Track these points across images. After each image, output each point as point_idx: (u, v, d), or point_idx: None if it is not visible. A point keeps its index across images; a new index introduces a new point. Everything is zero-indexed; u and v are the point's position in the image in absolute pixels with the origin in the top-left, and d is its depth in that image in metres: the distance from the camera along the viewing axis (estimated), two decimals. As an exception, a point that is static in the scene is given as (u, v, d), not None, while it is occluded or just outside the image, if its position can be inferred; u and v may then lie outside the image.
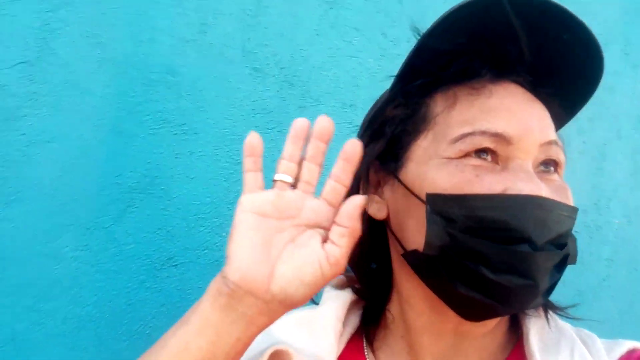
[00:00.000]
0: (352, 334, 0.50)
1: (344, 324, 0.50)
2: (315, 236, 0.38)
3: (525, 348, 0.45)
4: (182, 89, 0.72)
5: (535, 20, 0.43)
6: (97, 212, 0.68)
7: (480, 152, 0.42)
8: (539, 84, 0.45)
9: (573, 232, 0.42)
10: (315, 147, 0.39)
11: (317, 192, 0.40)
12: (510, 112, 0.42)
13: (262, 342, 0.44)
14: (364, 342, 0.50)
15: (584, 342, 0.46)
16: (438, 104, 0.45)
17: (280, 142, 0.76)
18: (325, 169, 0.41)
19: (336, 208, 0.39)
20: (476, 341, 0.46)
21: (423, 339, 0.46)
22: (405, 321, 0.48)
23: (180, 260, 0.73)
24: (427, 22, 0.45)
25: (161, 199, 0.71)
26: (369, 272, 0.51)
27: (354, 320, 0.51)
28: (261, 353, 0.44)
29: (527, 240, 0.38)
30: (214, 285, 0.38)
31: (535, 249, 0.38)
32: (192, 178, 0.73)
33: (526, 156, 0.41)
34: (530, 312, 0.48)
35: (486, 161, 0.41)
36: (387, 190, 0.47)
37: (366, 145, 0.48)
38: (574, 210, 0.42)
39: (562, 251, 0.40)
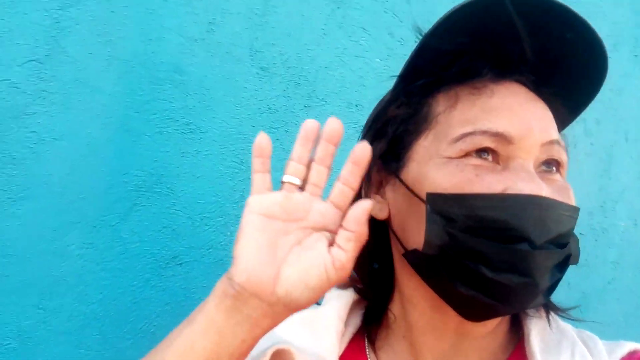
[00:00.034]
0: (354, 334, 0.50)
1: (346, 323, 0.50)
2: (322, 239, 0.38)
3: (527, 349, 0.45)
4: (189, 87, 0.72)
5: (538, 20, 0.42)
6: (104, 210, 0.68)
7: (480, 151, 0.42)
8: (542, 84, 0.45)
9: (578, 234, 0.42)
10: (324, 150, 0.38)
11: (325, 194, 0.40)
12: (511, 111, 0.42)
13: (265, 341, 0.44)
14: (366, 342, 0.50)
15: (585, 344, 0.46)
16: (440, 104, 0.45)
17: (286, 142, 0.78)
18: (332, 171, 0.41)
19: (343, 211, 0.39)
20: (477, 341, 0.46)
21: (424, 339, 0.46)
22: (407, 321, 0.48)
23: (185, 258, 0.73)
24: (434, 22, 0.45)
25: (167, 197, 0.71)
26: (371, 272, 0.51)
27: (356, 320, 0.51)
28: (263, 352, 0.44)
29: (527, 240, 0.38)
30: (220, 286, 0.38)
31: (535, 248, 0.38)
32: (198, 177, 0.73)
33: (527, 156, 0.41)
34: (532, 313, 0.48)
35: (487, 161, 0.41)
36: (389, 190, 0.47)
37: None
38: (575, 210, 0.42)
39: (563, 251, 0.40)
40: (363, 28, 0.82)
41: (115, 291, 0.69)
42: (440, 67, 0.45)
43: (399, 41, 0.83)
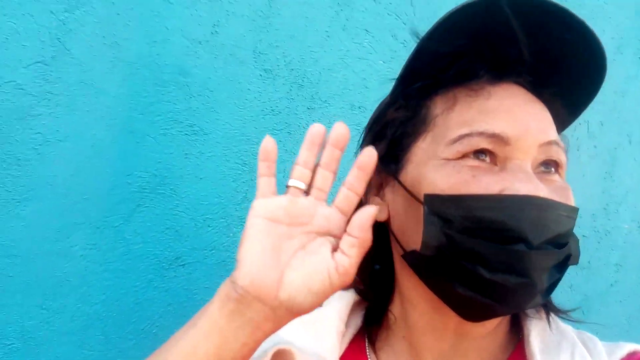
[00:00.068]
0: (355, 335, 0.51)
1: (347, 324, 0.50)
2: (326, 244, 0.38)
3: (526, 349, 0.46)
4: (193, 89, 0.72)
5: (535, 21, 0.43)
6: (107, 211, 0.68)
7: (478, 152, 0.42)
8: (541, 85, 0.45)
9: (581, 236, 0.42)
10: (330, 155, 0.39)
11: (330, 198, 0.40)
12: (508, 112, 0.42)
13: (266, 342, 0.44)
14: (366, 343, 0.50)
15: (585, 345, 0.46)
16: (438, 106, 0.45)
17: (289, 143, 0.78)
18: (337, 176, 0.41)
19: (348, 216, 0.39)
20: (477, 342, 0.46)
21: (424, 339, 0.47)
22: (407, 321, 0.48)
23: (187, 259, 0.73)
24: (436, 24, 0.45)
25: (170, 198, 0.72)
26: (372, 273, 0.51)
27: (357, 321, 0.51)
28: (265, 352, 0.45)
29: (524, 240, 0.38)
30: (223, 289, 0.38)
31: (532, 248, 0.38)
32: (201, 178, 0.73)
33: (525, 156, 0.41)
34: (532, 314, 0.48)
35: (484, 162, 0.41)
36: (388, 192, 0.47)
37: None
38: (573, 210, 0.42)
39: (561, 251, 0.40)
40: (366, 30, 0.82)
41: (118, 292, 0.69)
42: (438, 69, 0.45)
43: (402, 43, 0.83)
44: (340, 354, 0.48)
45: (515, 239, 0.38)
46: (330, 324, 0.48)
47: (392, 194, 0.46)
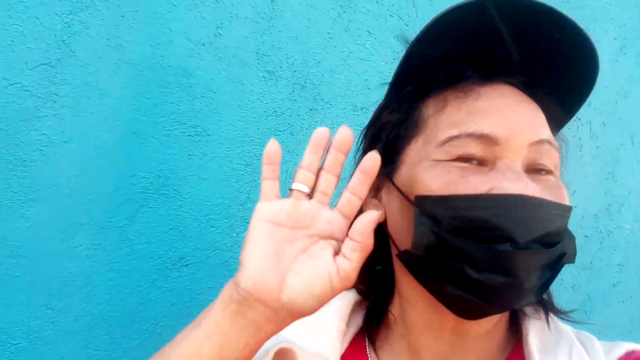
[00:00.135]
0: (356, 334, 0.51)
1: (348, 323, 0.50)
2: (328, 248, 0.38)
3: (525, 349, 0.46)
4: (196, 91, 0.73)
5: (523, 22, 0.43)
6: (112, 211, 0.69)
7: (466, 159, 0.42)
8: (534, 84, 0.45)
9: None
10: (333, 158, 0.39)
11: (334, 201, 0.41)
12: (497, 113, 0.42)
13: (268, 341, 0.45)
14: (367, 342, 0.51)
15: (583, 344, 0.46)
16: (429, 108, 0.45)
17: (291, 144, 0.78)
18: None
19: (350, 220, 0.39)
20: (475, 341, 0.46)
21: (422, 338, 0.47)
22: (406, 321, 0.48)
23: (191, 260, 0.73)
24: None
25: (174, 199, 0.72)
26: (372, 273, 0.52)
27: (358, 320, 0.52)
28: (267, 351, 0.45)
29: (510, 239, 0.38)
30: (226, 291, 0.38)
31: (518, 248, 0.38)
32: (205, 179, 0.74)
33: (514, 156, 0.41)
34: (531, 313, 0.48)
35: (472, 164, 0.42)
36: (384, 194, 0.47)
37: (365, 150, 0.49)
38: (565, 208, 0.42)
39: (552, 250, 0.40)
40: (368, 32, 0.82)
41: (122, 292, 0.70)
42: (428, 72, 0.45)
43: (404, 44, 0.83)
44: (342, 352, 0.49)
45: (501, 238, 0.39)
46: (331, 323, 0.49)
47: (387, 195, 0.47)
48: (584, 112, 0.98)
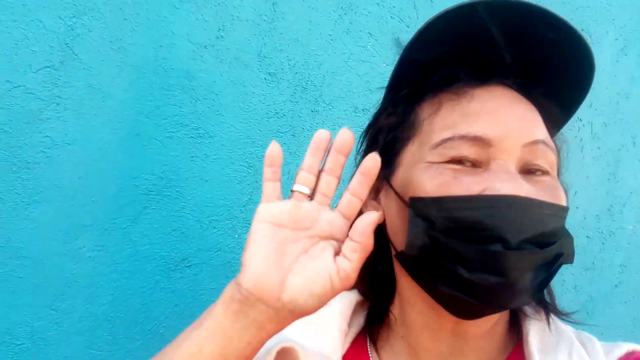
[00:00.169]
0: (357, 334, 0.51)
1: (350, 323, 0.51)
2: (328, 248, 0.39)
3: (525, 349, 0.46)
4: (198, 93, 0.73)
5: (515, 24, 0.43)
6: (115, 213, 0.69)
7: (459, 161, 0.42)
8: (530, 85, 0.46)
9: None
10: (334, 160, 0.39)
11: (334, 202, 0.41)
12: (490, 114, 0.43)
13: (270, 340, 0.45)
14: (368, 342, 0.51)
15: (583, 344, 0.46)
16: (424, 111, 0.46)
17: (293, 146, 0.79)
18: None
19: (351, 221, 0.40)
20: (474, 341, 0.46)
21: (423, 339, 0.47)
22: (406, 321, 0.48)
23: (193, 261, 0.74)
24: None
25: (176, 200, 0.72)
26: (373, 274, 0.52)
27: (359, 320, 0.52)
28: (269, 350, 0.46)
29: (502, 240, 0.38)
30: (228, 291, 0.39)
31: (510, 248, 0.38)
32: (207, 180, 0.74)
33: (508, 157, 0.42)
34: (531, 314, 0.48)
35: (466, 166, 0.42)
36: (383, 196, 0.48)
37: (365, 153, 0.50)
38: (560, 209, 0.42)
39: (546, 250, 0.40)
40: (370, 33, 0.82)
41: (125, 293, 0.70)
42: (423, 76, 0.46)
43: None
44: (343, 352, 0.49)
45: (493, 239, 0.39)
46: (333, 323, 0.49)
47: (385, 197, 0.47)
48: (585, 112, 0.99)
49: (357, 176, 0.39)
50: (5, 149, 0.64)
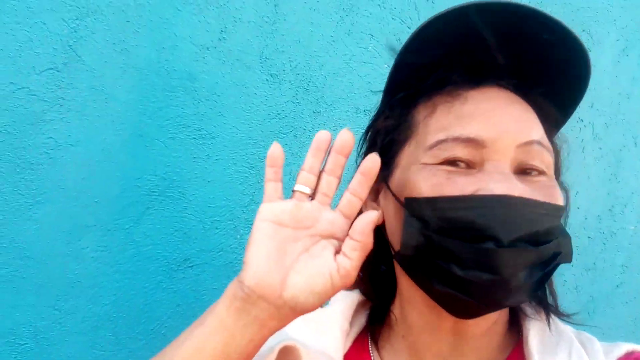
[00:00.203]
0: (359, 333, 0.52)
1: (351, 323, 0.51)
2: (329, 247, 0.39)
3: (525, 349, 0.46)
4: (200, 94, 0.73)
5: (508, 26, 0.43)
6: (118, 214, 0.70)
7: (453, 162, 0.43)
8: (526, 86, 0.45)
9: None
10: (334, 161, 0.40)
11: (334, 203, 0.42)
12: (484, 116, 0.43)
13: (273, 338, 0.45)
14: (369, 341, 0.51)
15: (583, 344, 0.46)
16: (420, 113, 0.46)
17: (294, 146, 0.79)
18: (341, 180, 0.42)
19: (351, 220, 0.40)
20: (474, 341, 0.47)
21: (423, 338, 0.47)
22: (406, 321, 0.49)
23: (196, 261, 0.74)
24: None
25: (179, 201, 0.73)
26: (375, 274, 0.52)
27: (361, 320, 0.52)
28: (271, 349, 0.46)
29: (494, 238, 0.39)
30: (230, 289, 0.40)
31: (501, 246, 0.39)
32: (209, 181, 0.74)
33: (502, 157, 0.42)
34: (532, 314, 0.48)
35: (460, 167, 0.43)
36: (382, 197, 0.48)
37: (364, 155, 0.50)
38: (556, 208, 0.42)
39: (541, 248, 0.40)
40: (371, 35, 0.83)
41: (128, 293, 0.71)
42: (418, 79, 0.46)
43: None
44: (345, 351, 0.49)
45: (485, 237, 0.39)
46: (335, 323, 0.50)
47: (384, 198, 0.48)
48: (586, 113, 0.99)
49: (357, 176, 0.40)
50: (9, 150, 0.65)
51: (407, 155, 0.46)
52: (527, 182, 0.42)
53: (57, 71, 0.66)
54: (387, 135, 0.48)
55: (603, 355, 0.45)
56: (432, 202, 0.41)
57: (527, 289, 0.41)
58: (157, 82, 0.71)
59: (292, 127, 0.79)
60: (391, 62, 0.45)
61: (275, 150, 0.40)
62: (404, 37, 0.45)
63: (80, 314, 0.68)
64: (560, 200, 0.43)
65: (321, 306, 0.50)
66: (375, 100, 0.52)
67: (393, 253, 0.47)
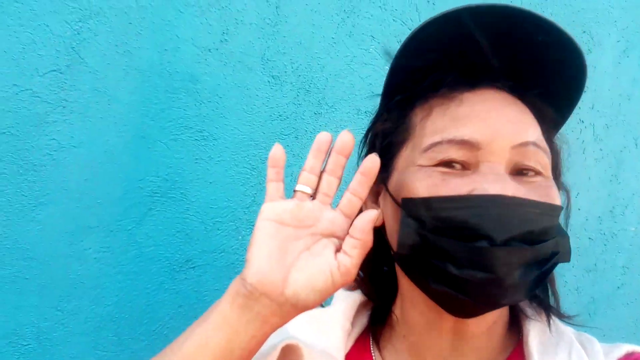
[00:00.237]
0: (360, 333, 0.52)
1: (353, 323, 0.52)
2: (329, 246, 0.40)
3: (525, 350, 0.47)
4: (202, 96, 0.74)
5: (502, 28, 0.44)
6: (120, 215, 0.70)
7: (448, 163, 0.43)
8: (522, 87, 0.46)
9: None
10: (335, 161, 0.41)
11: (335, 202, 0.42)
12: (479, 118, 0.43)
13: (275, 337, 0.46)
14: (371, 341, 0.52)
15: (583, 345, 0.47)
16: (417, 116, 0.47)
17: (296, 148, 0.79)
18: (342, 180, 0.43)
19: (351, 219, 0.41)
20: (474, 341, 0.47)
21: (423, 338, 0.48)
22: (408, 321, 0.49)
23: (197, 262, 0.74)
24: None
25: (181, 202, 0.73)
26: (376, 275, 0.53)
27: (363, 321, 0.53)
28: (274, 347, 0.47)
29: (487, 237, 0.39)
30: (233, 286, 0.40)
31: (494, 245, 0.39)
32: (211, 182, 0.75)
33: (497, 159, 0.42)
34: (532, 315, 0.49)
35: (455, 169, 0.43)
36: (382, 199, 0.49)
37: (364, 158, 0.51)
38: (552, 207, 0.43)
39: (536, 247, 0.41)
40: (372, 36, 0.83)
41: (131, 294, 0.71)
42: (414, 82, 0.47)
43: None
44: (346, 351, 0.50)
45: (479, 237, 0.40)
46: (336, 323, 0.50)
47: (384, 200, 0.49)
48: (587, 114, 0.99)
49: (357, 176, 0.41)
50: (12, 151, 0.65)
51: (405, 158, 0.46)
52: (523, 183, 0.42)
53: (60, 73, 0.67)
54: (385, 137, 0.48)
55: (603, 356, 0.45)
56: (427, 202, 0.42)
57: (523, 288, 0.41)
58: (160, 84, 0.71)
59: (293, 128, 0.79)
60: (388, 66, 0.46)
61: (277, 151, 0.41)
62: (385, 49, 0.45)
63: (83, 315, 0.69)
64: (557, 200, 0.44)
65: (322, 305, 0.51)
66: (376, 102, 0.52)
67: (392, 254, 0.47)
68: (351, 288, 0.54)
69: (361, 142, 0.52)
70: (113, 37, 0.69)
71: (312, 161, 0.41)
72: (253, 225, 0.40)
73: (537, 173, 0.44)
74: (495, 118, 0.43)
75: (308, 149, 0.41)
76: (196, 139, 0.74)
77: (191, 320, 0.42)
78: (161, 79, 0.71)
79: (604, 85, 1.01)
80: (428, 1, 0.86)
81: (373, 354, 0.51)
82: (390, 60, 0.47)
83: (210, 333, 0.39)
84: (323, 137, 0.41)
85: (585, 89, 0.47)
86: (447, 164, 0.43)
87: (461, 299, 0.41)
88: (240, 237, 0.77)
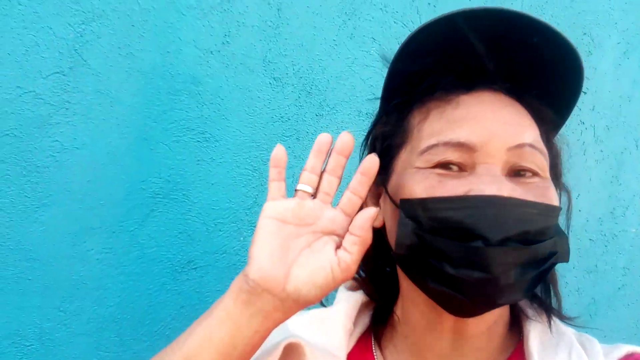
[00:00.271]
0: (362, 333, 0.53)
1: (355, 323, 0.52)
2: (330, 243, 0.41)
3: (525, 350, 0.47)
4: (204, 98, 0.74)
5: (497, 31, 0.44)
6: (122, 216, 0.70)
7: (445, 165, 0.44)
8: (519, 89, 0.46)
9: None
10: (335, 161, 0.42)
11: (335, 201, 0.43)
12: (475, 120, 0.44)
13: (278, 336, 0.47)
14: (372, 341, 0.52)
15: (583, 346, 0.47)
16: (415, 119, 0.47)
17: (297, 149, 0.80)
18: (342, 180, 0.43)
19: (351, 217, 0.42)
20: (474, 341, 0.47)
21: (425, 338, 0.48)
22: (409, 321, 0.49)
23: (199, 263, 0.75)
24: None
25: (183, 203, 0.73)
26: (377, 276, 0.53)
27: (365, 321, 0.53)
28: (276, 345, 0.47)
29: (482, 237, 0.40)
30: (237, 283, 0.41)
31: (489, 245, 0.39)
32: (213, 184, 0.75)
33: (493, 160, 0.43)
34: (533, 316, 0.49)
35: (452, 170, 0.44)
36: (382, 201, 0.50)
37: None
38: (549, 208, 0.43)
39: (532, 247, 0.41)
40: (373, 38, 0.83)
41: (133, 295, 0.71)
42: (411, 85, 0.48)
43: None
44: (348, 350, 0.50)
45: (474, 236, 0.40)
46: (338, 323, 0.51)
47: (383, 202, 0.49)
48: (587, 116, 1.00)
49: (357, 176, 0.42)
50: (15, 153, 0.66)
51: (403, 160, 0.47)
52: (520, 184, 0.43)
53: (63, 75, 0.67)
54: (384, 140, 0.49)
55: (603, 357, 0.46)
56: (424, 203, 0.43)
57: (520, 288, 0.42)
58: (162, 86, 0.72)
59: (295, 129, 0.79)
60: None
61: (279, 152, 0.42)
62: (382, 54, 0.46)
63: (86, 316, 0.69)
64: (554, 201, 0.44)
65: (324, 304, 0.51)
66: (377, 104, 0.53)
67: (392, 254, 0.48)
68: (353, 288, 0.54)
69: (362, 144, 0.53)
70: (116, 40, 0.69)
71: (313, 161, 0.42)
72: (255, 226, 0.41)
73: (534, 174, 0.44)
74: (491, 120, 0.44)
75: (309, 150, 0.42)
76: (198, 141, 0.74)
77: (193, 321, 0.42)
78: (163, 81, 0.72)
79: (604, 87, 1.01)
80: (429, 3, 0.86)
81: (375, 354, 0.51)
82: (388, 65, 0.47)
83: (214, 328, 0.40)
84: (323, 138, 0.42)
85: (586, 90, 0.48)
86: (444, 165, 0.43)
87: (459, 298, 0.42)
88: (241, 238, 0.77)
